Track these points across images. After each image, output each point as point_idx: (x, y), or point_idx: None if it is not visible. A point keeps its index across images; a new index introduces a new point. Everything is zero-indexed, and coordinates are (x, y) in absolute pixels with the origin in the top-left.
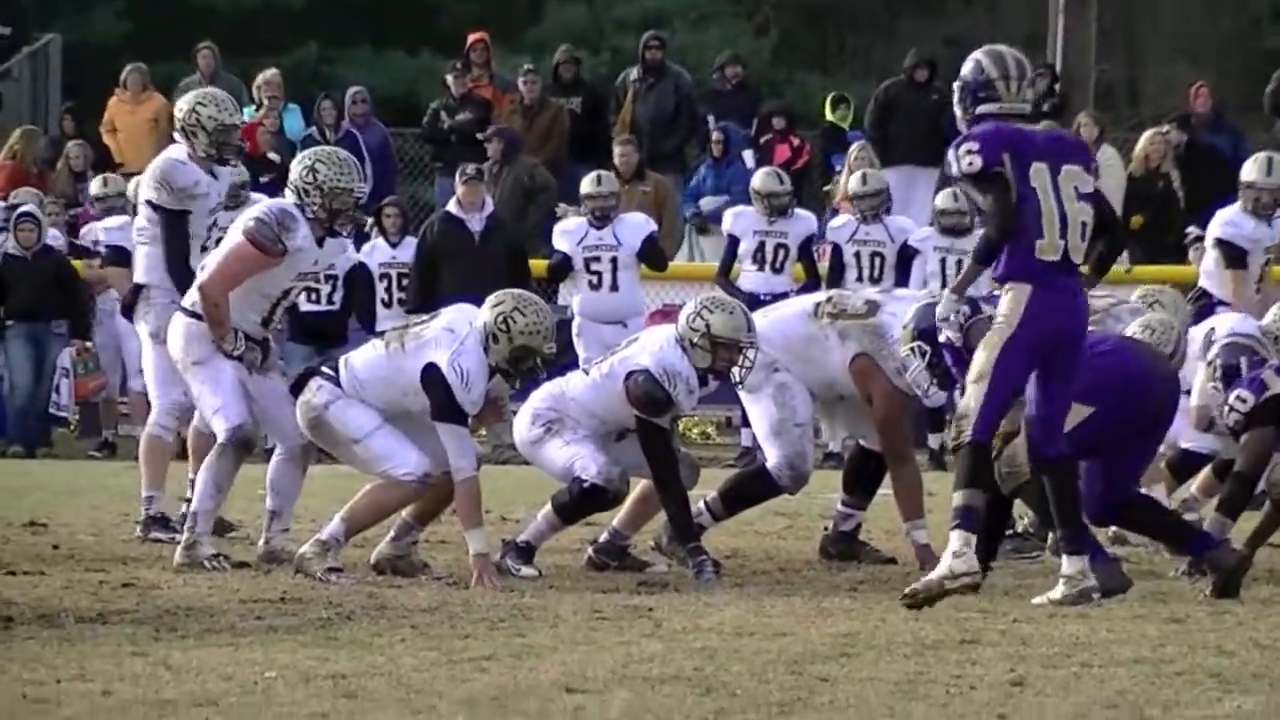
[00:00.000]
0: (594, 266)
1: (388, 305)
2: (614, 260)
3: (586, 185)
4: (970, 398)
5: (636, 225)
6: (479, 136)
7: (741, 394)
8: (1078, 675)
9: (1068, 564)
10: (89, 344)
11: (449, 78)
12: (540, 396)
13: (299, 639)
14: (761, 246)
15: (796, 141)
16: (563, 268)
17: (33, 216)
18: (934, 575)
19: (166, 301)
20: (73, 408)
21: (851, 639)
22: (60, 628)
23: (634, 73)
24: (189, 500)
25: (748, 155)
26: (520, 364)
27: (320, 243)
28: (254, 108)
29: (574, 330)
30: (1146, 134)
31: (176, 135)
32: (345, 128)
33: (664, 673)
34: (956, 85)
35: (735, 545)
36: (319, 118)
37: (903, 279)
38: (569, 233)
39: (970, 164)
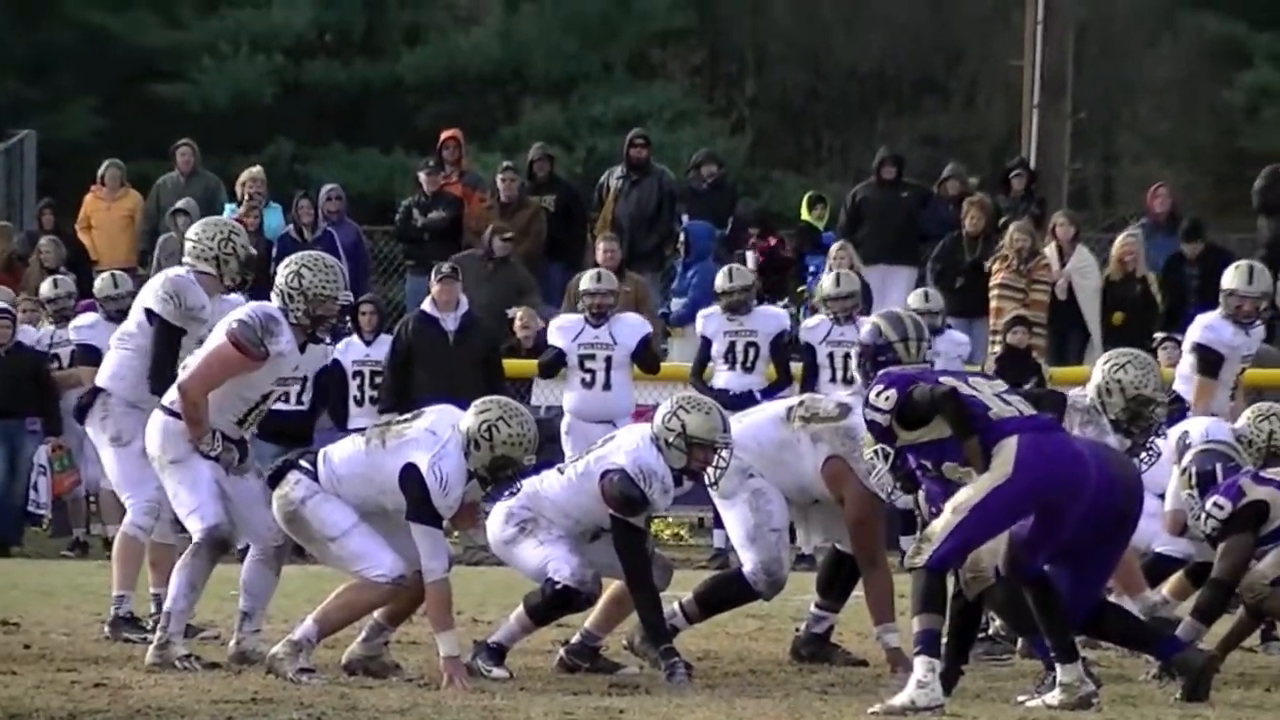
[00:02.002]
0: (588, 365)
1: (360, 404)
2: (608, 359)
3: (586, 282)
4: (941, 524)
5: (633, 325)
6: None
7: (716, 499)
8: None
9: (1063, 672)
10: (62, 441)
11: (421, 175)
12: (515, 496)
13: None
14: (732, 346)
15: (774, 241)
16: (556, 364)
17: (6, 313)
18: (897, 701)
19: (125, 408)
20: (49, 505)
21: None
22: None
23: (618, 170)
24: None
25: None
26: (499, 472)
27: (302, 348)
28: (235, 205)
29: (563, 428)
30: (1120, 237)
31: (207, 268)
32: (322, 226)
33: None
34: (855, 350)
35: (707, 647)
36: (297, 216)
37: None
38: (564, 329)
39: (888, 398)
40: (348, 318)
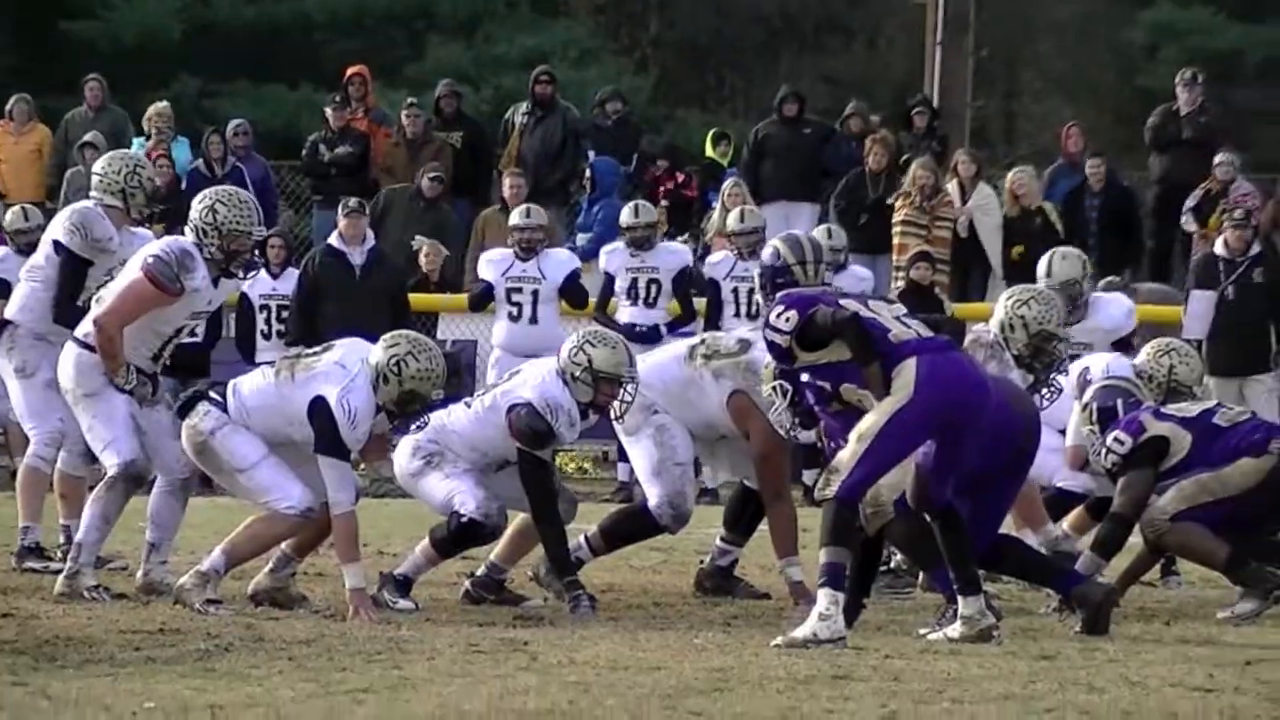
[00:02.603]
0: (515, 298)
1: (267, 337)
2: (535, 293)
3: (515, 217)
4: (848, 454)
5: (561, 261)
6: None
7: (621, 434)
8: (949, 711)
9: (965, 605)
10: None
11: (328, 111)
12: (423, 429)
13: (177, 670)
14: (634, 282)
15: (682, 177)
16: (484, 297)
17: None
18: (799, 633)
19: (32, 340)
20: None
21: (725, 674)
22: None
23: (523, 107)
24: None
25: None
26: (407, 406)
27: (215, 282)
28: (144, 139)
29: (490, 361)
30: (1011, 173)
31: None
32: (231, 161)
33: (539, 706)
34: (756, 271)
35: (611, 580)
36: (206, 151)
37: None
38: (494, 262)
39: (788, 319)
40: (258, 253)
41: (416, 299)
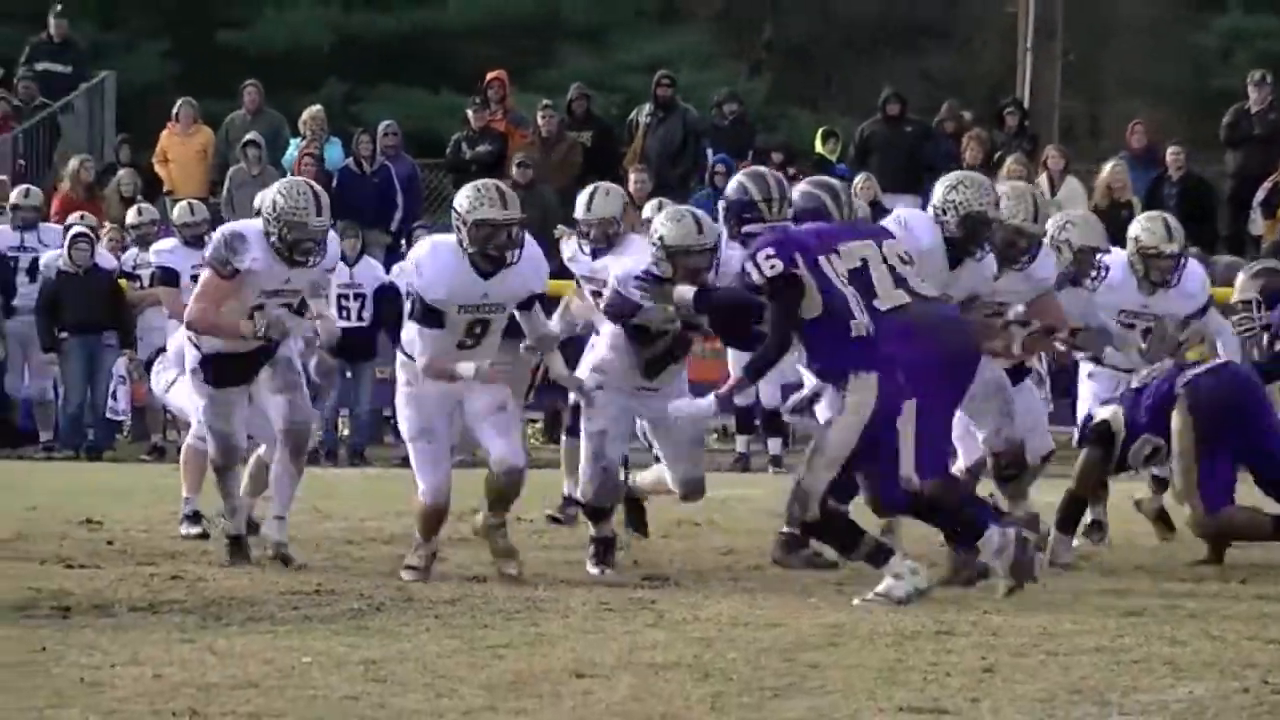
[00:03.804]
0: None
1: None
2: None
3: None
4: (814, 479)
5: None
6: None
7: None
8: (1044, 663)
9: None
10: (133, 355)
11: (469, 112)
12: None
13: (332, 627)
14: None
15: (794, 172)
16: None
17: (85, 237)
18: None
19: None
20: (129, 412)
21: (838, 629)
22: (114, 617)
23: (646, 108)
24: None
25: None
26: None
27: (289, 265)
28: (299, 140)
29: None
30: (1108, 166)
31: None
32: (380, 160)
33: (666, 660)
34: (721, 204)
35: (731, 543)
36: (357, 150)
37: None
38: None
39: (773, 266)
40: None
41: (554, 284)
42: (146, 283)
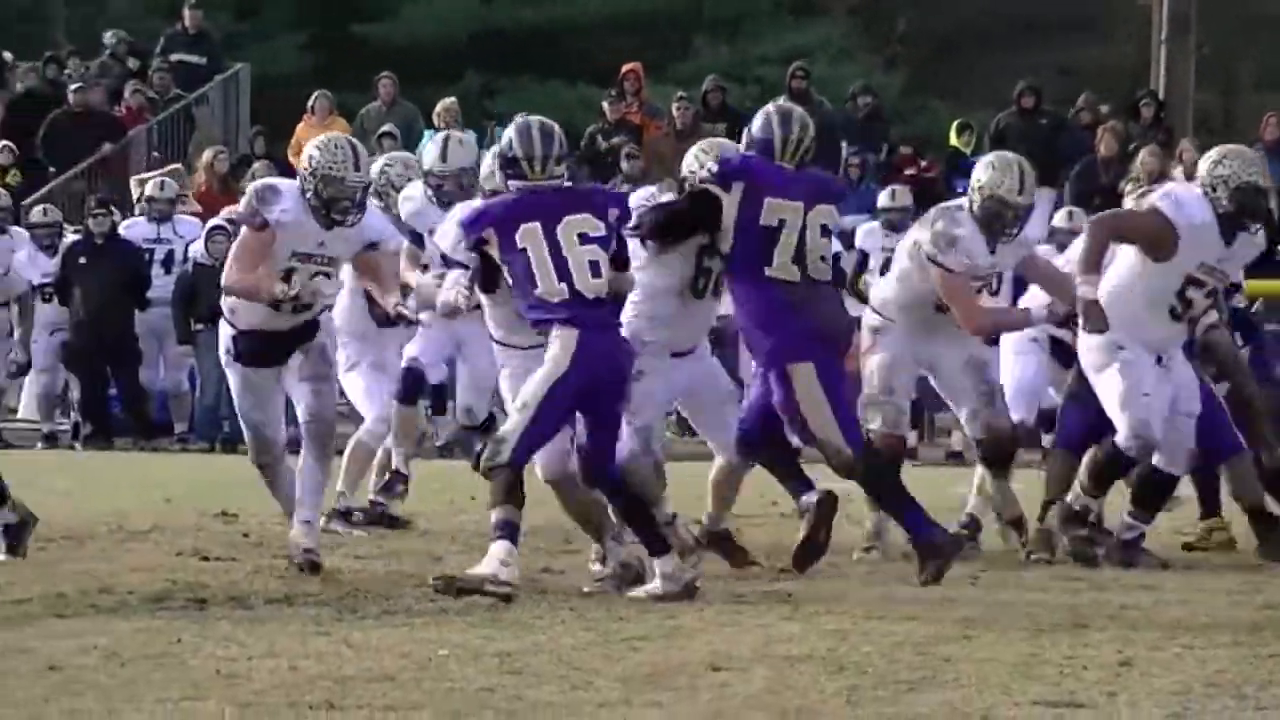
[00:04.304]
0: None
1: None
2: None
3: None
4: (512, 424)
5: None
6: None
7: (1088, 370)
8: (1180, 656)
9: (661, 563)
10: None
11: (605, 105)
12: None
13: (468, 620)
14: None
15: (925, 164)
16: None
17: (223, 229)
18: (478, 571)
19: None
20: None
21: (972, 622)
22: (250, 609)
23: (780, 100)
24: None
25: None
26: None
27: (328, 227)
28: (433, 132)
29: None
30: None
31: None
32: None
33: (800, 652)
34: (493, 152)
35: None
36: (492, 142)
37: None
38: None
39: (457, 239)
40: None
41: None
42: None
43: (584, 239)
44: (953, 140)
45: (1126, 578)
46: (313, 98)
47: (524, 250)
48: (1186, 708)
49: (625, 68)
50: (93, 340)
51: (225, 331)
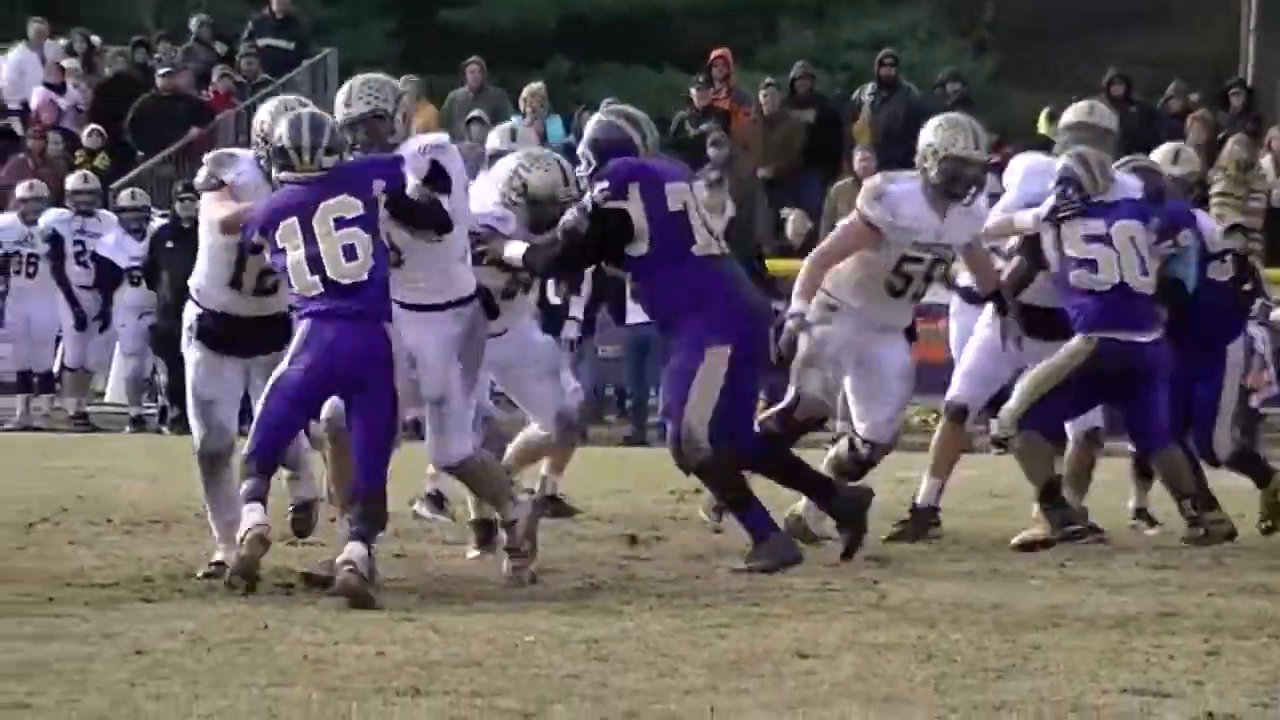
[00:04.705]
0: None
1: (636, 300)
2: None
3: None
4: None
5: None
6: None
7: None
8: (1267, 646)
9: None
10: None
11: (693, 90)
12: None
13: (554, 606)
14: None
15: (1010, 151)
16: None
17: None
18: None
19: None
20: None
21: (1060, 610)
22: (337, 595)
23: (869, 88)
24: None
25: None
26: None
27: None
28: (520, 116)
29: None
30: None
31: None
32: None
33: (888, 640)
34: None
35: (953, 525)
36: (579, 127)
37: None
38: None
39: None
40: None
41: (776, 264)
42: None
43: (340, 223)
44: (1041, 128)
45: (1213, 567)
46: (400, 82)
47: (283, 251)
48: (1274, 697)
49: (714, 53)
50: (180, 324)
51: (190, 311)
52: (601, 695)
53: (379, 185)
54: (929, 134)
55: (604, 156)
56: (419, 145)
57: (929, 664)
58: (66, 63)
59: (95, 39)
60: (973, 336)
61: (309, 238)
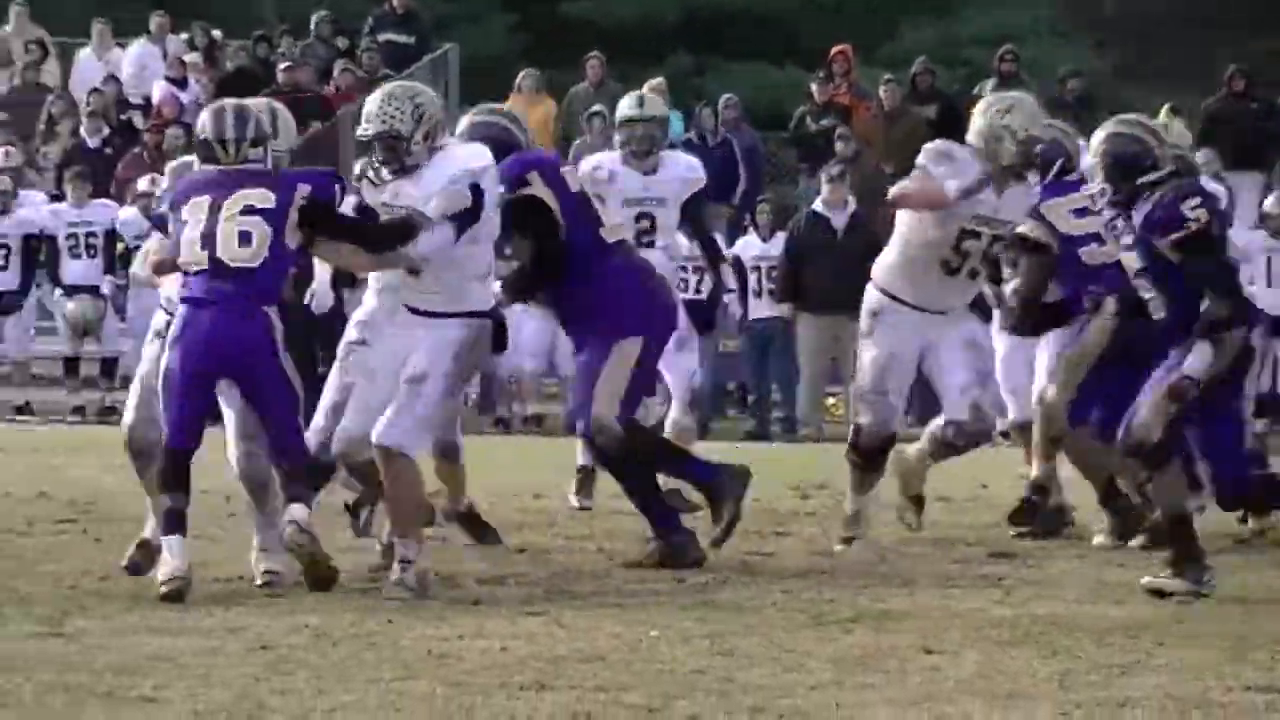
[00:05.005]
0: None
1: (759, 295)
2: None
3: None
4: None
5: None
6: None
7: None
8: None
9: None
10: None
11: (813, 86)
12: None
13: (679, 602)
14: None
15: None
16: None
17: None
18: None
19: None
20: (475, 384)
21: (1183, 608)
22: (461, 589)
23: (990, 84)
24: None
25: None
26: None
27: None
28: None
29: None
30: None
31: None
32: (722, 133)
33: (1012, 637)
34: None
35: (1079, 520)
36: (699, 123)
37: None
38: None
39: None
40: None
41: None
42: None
43: (247, 210)
44: (1162, 123)
45: None
46: (520, 76)
47: (185, 224)
48: None
49: (834, 49)
50: (303, 319)
51: (160, 318)
52: (726, 690)
53: (303, 189)
54: (1005, 115)
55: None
56: (462, 169)
57: (1053, 660)
58: (188, 57)
59: (216, 33)
60: (1003, 350)
61: (213, 215)
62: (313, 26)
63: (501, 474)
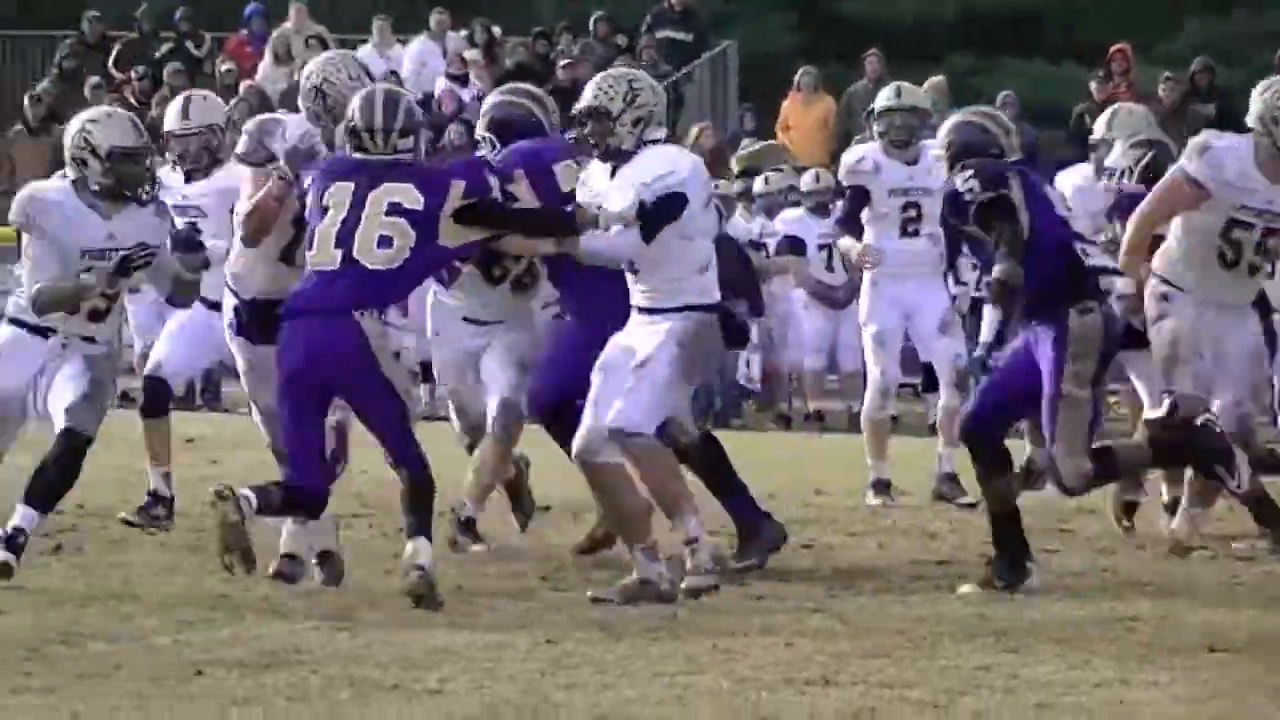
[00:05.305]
0: None
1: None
2: None
3: None
4: None
5: None
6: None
7: None
8: None
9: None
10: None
11: (1092, 84)
12: None
13: (963, 598)
14: None
15: None
16: None
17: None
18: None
19: None
20: (759, 381)
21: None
22: (744, 585)
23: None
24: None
25: None
26: None
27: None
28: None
29: None
30: None
31: None
32: None
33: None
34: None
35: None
36: None
37: None
38: None
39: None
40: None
41: None
42: (772, 252)
43: (393, 209)
44: None
45: None
46: (798, 74)
47: (325, 210)
48: None
49: (1113, 47)
50: None
51: (228, 302)
52: (1012, 687)
53: (457, 187)
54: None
55: (503, 139)
56: (654, 175)
57: None
58: (468, 54)
59: (496, 30)
60: None
61: (355, 210)
62: (591, 25)
63: (783, 471)
